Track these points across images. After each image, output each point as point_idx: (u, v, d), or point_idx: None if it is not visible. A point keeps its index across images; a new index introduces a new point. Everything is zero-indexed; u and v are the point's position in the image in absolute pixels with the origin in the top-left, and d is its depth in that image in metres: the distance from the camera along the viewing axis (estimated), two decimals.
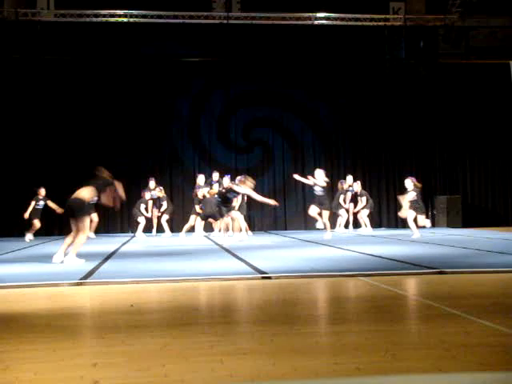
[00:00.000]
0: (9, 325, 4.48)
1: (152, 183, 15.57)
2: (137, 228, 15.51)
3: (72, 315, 4.78)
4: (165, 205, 15.66)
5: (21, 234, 15.11)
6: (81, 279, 6.55)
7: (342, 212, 15.93)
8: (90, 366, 3.23)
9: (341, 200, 15.89)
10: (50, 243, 13.12)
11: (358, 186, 15.95)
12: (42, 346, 3.75)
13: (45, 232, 15.53)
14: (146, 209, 15.49)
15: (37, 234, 15.29)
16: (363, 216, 15.88)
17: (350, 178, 16.14)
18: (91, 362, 3.32)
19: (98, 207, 13.22)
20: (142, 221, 15.42)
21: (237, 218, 13.61)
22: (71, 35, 15.90)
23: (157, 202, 15.73)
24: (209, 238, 13.86)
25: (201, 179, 14.92)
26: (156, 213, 15.74)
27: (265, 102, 17.09)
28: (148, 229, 15.67)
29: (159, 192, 15.63)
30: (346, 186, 15.98)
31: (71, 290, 6.11)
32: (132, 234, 15.53)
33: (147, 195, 15.48)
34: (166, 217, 15.76)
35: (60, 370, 3.21)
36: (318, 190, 12.91)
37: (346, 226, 16.25)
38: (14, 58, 15.72)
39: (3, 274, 7.23)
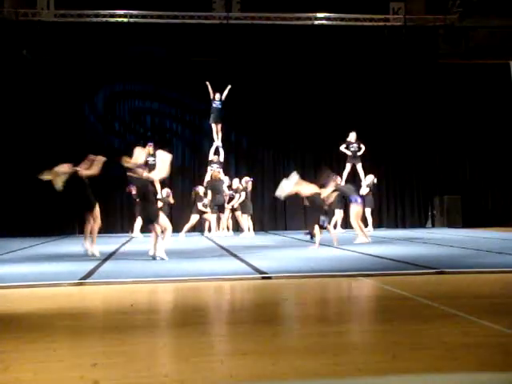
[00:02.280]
0: (9, 325, 4.48)
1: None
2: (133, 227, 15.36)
3: (72, 315, 4.78)
4: (159, 204, 15.36)
5: (21, 234, 15.08)
6: (81, 279, 6.54)
7: (336, 211, 15.84)
8: (90, 366, 3.23)
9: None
10: (50, 243, 13.12)
11: (370, 179, 15.81)
12: (42, 346, 3.76)
13: (45, 231, 15.53)
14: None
15: (37, 233, 15.28)
16: (367, 215, 15.79)
17: (370, 176, 15.86)
18: (91, 362, 3.32)
19: None
20: (139, 219, 15.25)
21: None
22: (71, 35, 15.89)
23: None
24: (209, 238, 13.86)
25: (201, 190, 15.05)
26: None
27: (265, 102, 17.07)
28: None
29: (165, 195, 15.35)
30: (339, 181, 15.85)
31: (71, 290, 6.11)
32: (131, 235, 15.41)
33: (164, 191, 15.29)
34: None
35: (60, 370, 3.22)
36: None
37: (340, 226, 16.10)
38: (14, 57, 15.70)
39: (3, 273, 7.23)
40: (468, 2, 16.09)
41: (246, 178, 15.36)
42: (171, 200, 15.41)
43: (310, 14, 16.48)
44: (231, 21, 16.16)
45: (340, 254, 9.31)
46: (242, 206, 15.16)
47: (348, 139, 15.76)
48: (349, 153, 15.64)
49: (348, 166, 15.83)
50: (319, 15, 16.53)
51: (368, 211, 15.81)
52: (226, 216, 15.37)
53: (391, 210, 17.49)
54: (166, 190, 15.46)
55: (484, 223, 16.86)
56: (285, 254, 9.50)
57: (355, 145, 15.74)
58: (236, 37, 16.29)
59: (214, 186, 14.76)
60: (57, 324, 4.43)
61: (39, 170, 15.84)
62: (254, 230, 15.46)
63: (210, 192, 14.79)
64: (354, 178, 16.28)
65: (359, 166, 15.80)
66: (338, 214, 15.88)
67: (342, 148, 15.68)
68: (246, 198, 15.17)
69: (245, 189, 15.22)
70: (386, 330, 4.05)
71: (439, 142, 17.56)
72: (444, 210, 16.74)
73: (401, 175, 17.56)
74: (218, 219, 15.03)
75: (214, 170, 15.16)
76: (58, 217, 16.10)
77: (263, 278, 6.62)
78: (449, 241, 11.50)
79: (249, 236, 14.72)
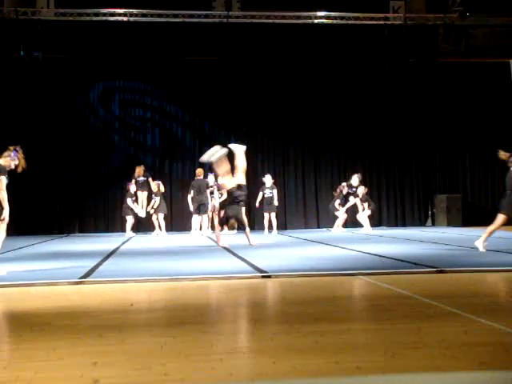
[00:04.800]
0: (9, 324, 4.48)
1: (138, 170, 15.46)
2: (125, 226, 15.31)
3: (72, 314, 4.78)
4: (157, 201, 15.35)
5: (19, 233, 15.07)
6: (80, 278, 6.55)
7: (338, 213, 15.87)
8: (90, 365, 3.23)
9: (336, 204, 15.83)
10: (49, 242, 13.13)
11: (361, 191, 15.76)
12: (41, 344, 3.76)
13: (45, 230, 15.55)
14: (136, 201, 15.13)
15: (37, 232, 15.33)
16: (363, 216, 15.78)
17: (355, 178, 15.91)
18: (91, 361, 3.32)
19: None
20: (129, 218, 15.20)
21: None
22: (71, 34, 15.88)
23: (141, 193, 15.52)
24: (209, 237, 13.86)
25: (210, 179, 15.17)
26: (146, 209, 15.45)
27: (264, 101, 17.08)
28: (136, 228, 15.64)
29: (155, 187, 15.37)
30: (345, 190, 15.86)
31: (71, 289, 6.11)
32: (133, 234, 15.36)
33: (132, 187, 15.23)
34: (161, 215, 15.53)
35: (60, 368, 3.22)
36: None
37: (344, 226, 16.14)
38: (14, 56, 15.69)
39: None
40: (468, 0, 16.07)
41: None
42: (162, 189, 15.46)
43: (310, 13, 16.45)
44: (231, 20, 16.14)
45: (340, 252, 9.31)
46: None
47: (350, 182, 15.81)
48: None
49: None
50: (319, 14, 16.50)
51: (366, 213, 15.75)
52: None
53: (391, 208, 17.49)
54: (156, 183, 15.41)
55: (484, 222, 16.82)
56: (285, 253, 9.50)
57: (355, 189, 15.82)
58: (236, 36, 16.27)
59: (196, 185, 14.73)
60: (57, 323, 4.43)
61: (38, 169, 15.94)
62: (254, 229, 15.54)
63: (192, 191, 14.77)
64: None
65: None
66: (341, 215, 15.90)
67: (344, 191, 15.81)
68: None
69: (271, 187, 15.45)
70: (386, 328, 4.05)
71: (439, 141, 17.55)
72: (444, 208, 16.72)
73: (401, 174, 17.55)
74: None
75: (198, 168, 15.10)
76: (57, 216, 16.11)
77: (263, 276, 6.62)
78: (449, 240, 11.51)
79: (273, 235, 14.75)
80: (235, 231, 15.19)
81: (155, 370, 3.13)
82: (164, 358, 3.34)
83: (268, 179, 15.52)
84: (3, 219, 7.17)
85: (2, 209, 7.19)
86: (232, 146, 10.90)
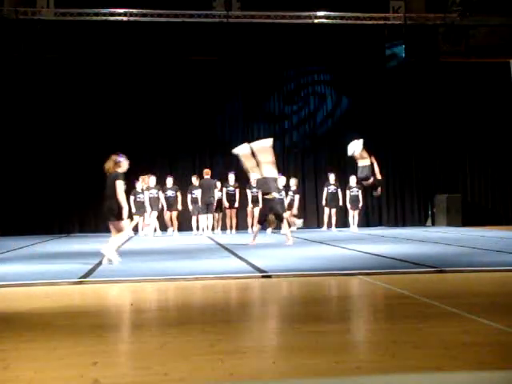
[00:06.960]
0: (9, 323, 4.48)
1: (152, 180, 15.41)
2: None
3: (72, 314, 4.78)
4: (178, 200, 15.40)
5: (19, 233, 15.07)
6: (81, 278, 6.55)
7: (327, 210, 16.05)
8: (90, 365, 3.24)
9: (324, 195, 15.99)
10: (50, 242, 13.12)
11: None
12: (42, 344, 3.76)
13: (44, 230, 15.54)
14: (135, 201, 15.00)
15: (37, 231, 15.31)
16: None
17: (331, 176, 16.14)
18: (91, 360, 3.32)
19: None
20: (136, 218, 15.15)
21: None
22: (71, 34, 15.88)
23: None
24: (209, 237, 13.86)
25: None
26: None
27: (264, 101, 17.08)
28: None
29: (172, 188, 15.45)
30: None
31: (71, 289, 6.11)
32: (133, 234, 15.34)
33: (138, 185, 15.17)
34: (154, 214, 15.54)
35: (60, 368, 3.22)
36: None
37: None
38: (14, 56, 15.70)
39: (3, 272, 7.23)
40: (468, 0, 16.07)
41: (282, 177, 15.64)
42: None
43: (310, 13, 16.45)
44: (231, 19, 16.14)
45: (339, 252, 9.31)
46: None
47: (350, 184, 15.93)
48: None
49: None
50: (319, 14, 16.50)
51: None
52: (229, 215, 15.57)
53: (391, 208, 17.48)
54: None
55: (484, 222, 16.86)
56: (284, 252, 9.50)
57: (355, 189, 15.83)
58: (236, 36, 16.27)
59: (204, 184, 14.73)
60: (57, 323, 4.43)
61: (39, 168, 15.94)
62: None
63: (197, 190, 14.78)
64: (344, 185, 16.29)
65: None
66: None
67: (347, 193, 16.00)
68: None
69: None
70: (386, 328, 4.06)
71: (439, 141, 17.54)
72: (444, 208, 16.72)
73: (401, 174, 17.55)
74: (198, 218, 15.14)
75: (206, 168, 15.23)
76: (57, 215, 16.11)
77: (263, 276, 6.62)
78: (449, 239, 11.51)
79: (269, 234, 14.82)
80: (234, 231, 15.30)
81: (155, 369, 3.13)
82: (164, 358, 3.34)
83: (281, 180, 15.45)
84: (122, 219, 8.04)
85: (121, 208, 8.02)
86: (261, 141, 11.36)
